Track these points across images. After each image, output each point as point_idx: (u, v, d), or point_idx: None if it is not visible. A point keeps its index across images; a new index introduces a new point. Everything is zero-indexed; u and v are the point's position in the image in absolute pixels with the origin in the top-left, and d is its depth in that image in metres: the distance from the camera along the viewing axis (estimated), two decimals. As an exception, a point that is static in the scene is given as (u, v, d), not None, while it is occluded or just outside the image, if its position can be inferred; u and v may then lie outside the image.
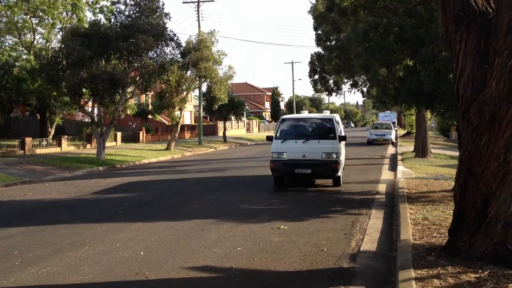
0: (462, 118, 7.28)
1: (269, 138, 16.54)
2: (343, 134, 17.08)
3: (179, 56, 31.92)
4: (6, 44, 35.22)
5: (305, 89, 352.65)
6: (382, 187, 16.31)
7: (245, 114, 58.28)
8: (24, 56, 33.81)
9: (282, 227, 10.32)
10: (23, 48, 36.29)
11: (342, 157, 16.63)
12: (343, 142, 16.70)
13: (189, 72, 34.30)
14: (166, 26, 27.59)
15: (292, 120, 17.34)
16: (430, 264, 7.09)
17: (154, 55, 28.04)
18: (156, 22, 26.53)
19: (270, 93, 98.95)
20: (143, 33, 25.48)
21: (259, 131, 77.98)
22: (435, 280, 6.43)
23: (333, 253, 8.39)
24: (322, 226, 10.45)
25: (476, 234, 7.17)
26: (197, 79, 35.22)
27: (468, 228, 7.28)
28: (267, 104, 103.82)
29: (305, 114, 18.89)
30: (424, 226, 9.69)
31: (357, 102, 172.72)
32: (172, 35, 28.55)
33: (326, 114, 18.22)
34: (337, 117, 17.78)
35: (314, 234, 9.71)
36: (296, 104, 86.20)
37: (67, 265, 7.79)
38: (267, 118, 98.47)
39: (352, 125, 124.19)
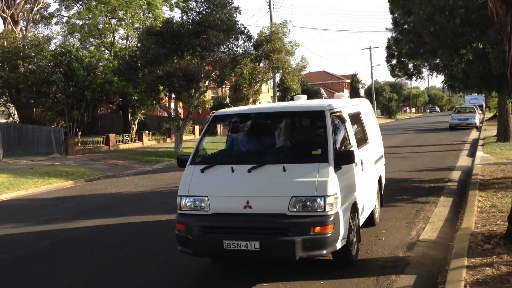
0: (517, 103, 7.04)
1: (182, 163, 7.24)
2: (352, 147, 7.59)
3: (252, 48, 32.26)
4: (88, 46, 37.14)
5: (386, 75, 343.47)
6: (456, 174, 15.80)
7: (322, 103, 57.86)
8: (106, 56, 35.57)
9: (343, 216, 10.31)
10: (105, 49, 38.19)
11: (360, 201, 7.70)
12: (361, 166, 7.92)
13: (262, 64, 34.68)
14: (236, 19, 28.06)
15: (235, 119, 8.11)
16: (486, 252, 6.95)
17: (226, 49, 28.53)
18: (226, 16, 27.01)
19: (349, 80, 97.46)
20: (213, 29, 26.07)
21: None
22: (487, 268, 6.33)
23: (390, 242, 8.37)
24: (385, 215, 10.38)
25: (536, 221, 6.95)
26: (270, 70, 35.53)
27: (527, 215, 7.06)
28: (347, 92, 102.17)
29: (281, 103, 10.76)
30: (490, 214, 9.42)
31: (443, 86, 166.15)
32: (242, 28, 28.87)
33: (321, 101, 9.67)
34: (348, 106, 8.45)
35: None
36: (375, 91, 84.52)
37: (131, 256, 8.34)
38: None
39: (437, 109, 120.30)
